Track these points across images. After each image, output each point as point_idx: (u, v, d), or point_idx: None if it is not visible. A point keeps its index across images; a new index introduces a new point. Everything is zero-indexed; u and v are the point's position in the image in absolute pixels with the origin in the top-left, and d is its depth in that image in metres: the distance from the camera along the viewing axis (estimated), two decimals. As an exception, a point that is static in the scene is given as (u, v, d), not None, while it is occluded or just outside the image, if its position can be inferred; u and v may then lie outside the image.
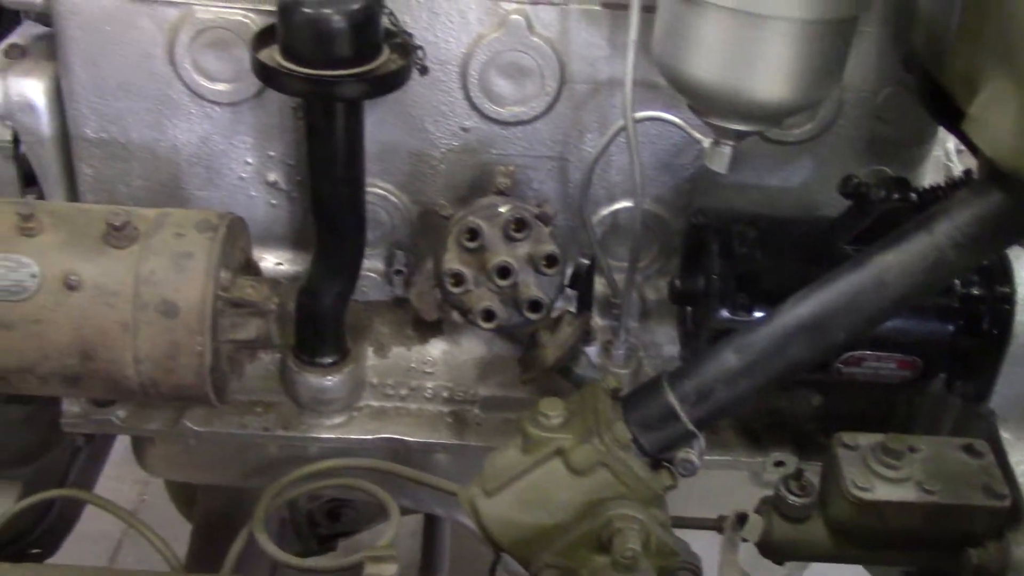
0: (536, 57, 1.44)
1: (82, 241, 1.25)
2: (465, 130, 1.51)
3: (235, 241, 1.33)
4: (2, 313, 1.22)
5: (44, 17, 1.49)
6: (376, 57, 1.32)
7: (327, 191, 1.40)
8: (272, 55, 1.33)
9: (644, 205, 1.52)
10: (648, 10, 1.31)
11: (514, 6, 1.42)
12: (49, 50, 1.49)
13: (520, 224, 1.34)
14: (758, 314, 1.39)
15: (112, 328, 1.23)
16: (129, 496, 2.80)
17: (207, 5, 1.41)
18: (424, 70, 1.39)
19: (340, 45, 1.29)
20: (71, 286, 1.22)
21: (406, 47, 1.36)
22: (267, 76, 1.33)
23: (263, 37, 1.36)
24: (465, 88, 1.47)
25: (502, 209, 1.37)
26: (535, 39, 1.43)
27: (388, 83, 1.33)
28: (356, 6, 1.28)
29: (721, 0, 1.15)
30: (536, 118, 1.49)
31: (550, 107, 1.48)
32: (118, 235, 1.24)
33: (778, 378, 1.22)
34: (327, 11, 1.27)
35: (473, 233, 1.34)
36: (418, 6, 1.42)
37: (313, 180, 1.41)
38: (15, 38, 1.51)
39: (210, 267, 1.25)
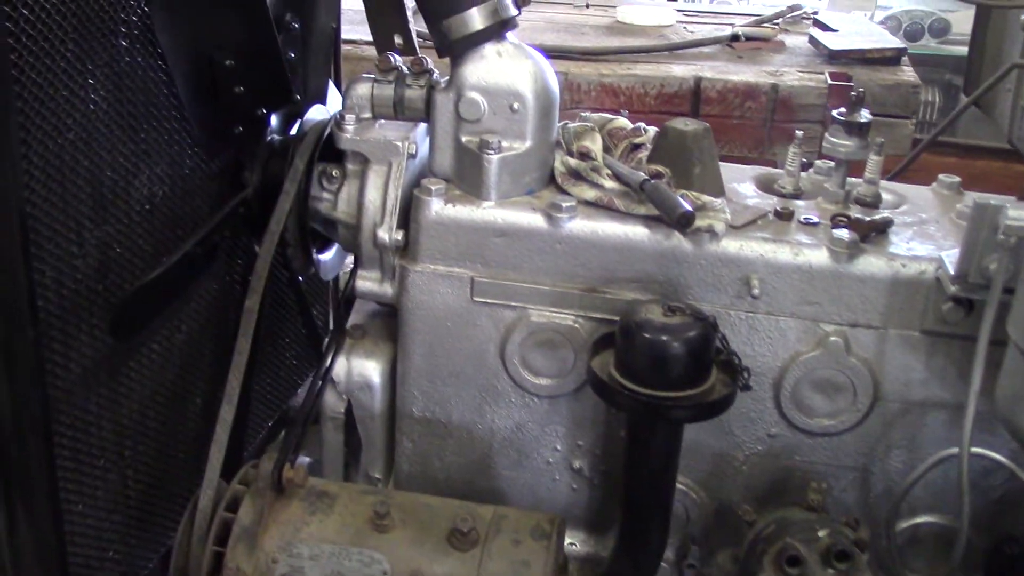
0: (851, 376, 1.48)
1: (428, 540, 1.33)
2: (771, 436, 1.55)
3: (561, 543, 1.39)
4: (354, 605, 1.30)
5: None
6: (706, 379, 1.39)
7: (640, 495, 1.46)
8: (605, 365, 1.42)
9: (945, 521, 1.52)
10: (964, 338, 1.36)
11: (833, 327, 1.47)
12: (385, 332, 1.64)
13: (842, 555, 1.35)
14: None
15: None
16: None
17: (541, 309, 1.52)
18: (747, 388, 1.44)
19: (675, 369, 1.36)
20: (417, 586, 1.30)
21: (733, 367, 1.42)
22: (601, 389, 1.41)
23: (598, 345, 1.45)
24: (777, 399, 1.52)
25: (821, 533, 1.38)
26: (852, 359, 1.47)
27: (715, 409, 1.39)
28: (693, 333, 1.36)
29: (1079, 373, 1.17)
30: (844, 431, 1.52)
31: (860, 422, 1.51)
32: (462, 539, 1.32)
33: None
34: (666, 338, 1.35)
35: (794, 560, 1.36)
36: (739, 321, 1.49)
37: (627, 483, 1.47)
38: (357, 318, 1.67)
39: (545, 577, 1.31)
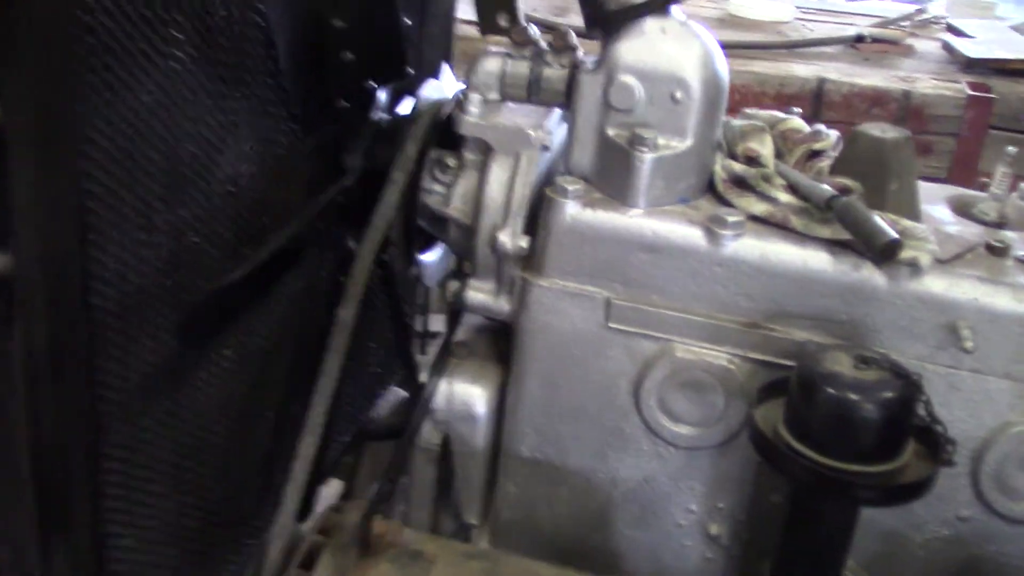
0: (1073, 458, 1.20)
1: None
2: (961, 519, 1.27)
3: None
4: None
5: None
6: (900, 454, 1.11)
7: (800, 580, 1.20)
8: (771, 420, 1.15)
9: None
10: None
11: (1057, 395, 1.19)
12: (494, 352, 1.39)
13: None
14: None
15: None
16: None
17: (689, 343, 1.26)
18: (949, 463, 1.17)
19: (865, 437, 1.09)
20: None
21: (934, 438, 1.15)
22: (765, 448, 1.15)
23: (764, 393, 1.19)
24: (974, 475, 1.24)
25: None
26: (1077, 437, 1.20)
27: (911, 493, 1.11)
28: (893, 394, 1.09)
29: None
30: (1055, 522, 1.24)
31: (1076, 513, 1.23)
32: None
33: None
34: (858, 397, 1.08)
35: None
36: (936, 378, 1.22)
37: (780, 562, 1.21)
38: (463, 335, 1.42)
39: None
